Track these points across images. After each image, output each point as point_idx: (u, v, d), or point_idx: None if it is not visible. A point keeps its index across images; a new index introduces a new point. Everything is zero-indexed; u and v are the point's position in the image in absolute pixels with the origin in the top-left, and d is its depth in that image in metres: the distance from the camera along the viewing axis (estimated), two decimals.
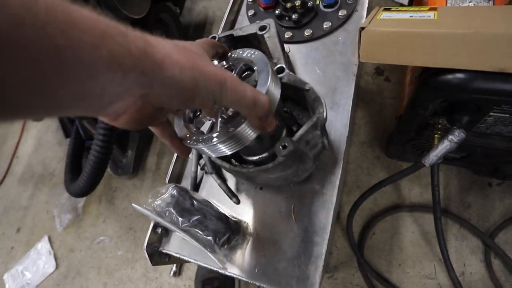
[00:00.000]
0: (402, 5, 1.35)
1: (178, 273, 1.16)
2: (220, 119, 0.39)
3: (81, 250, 1.35)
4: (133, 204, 0.55)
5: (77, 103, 0.22)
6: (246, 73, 0.45)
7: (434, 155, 0.70)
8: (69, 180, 1.12)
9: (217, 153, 0.40)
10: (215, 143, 0.37)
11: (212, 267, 0.53)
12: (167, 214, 0.53)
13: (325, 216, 0.53)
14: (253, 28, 0.60)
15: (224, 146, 0.38)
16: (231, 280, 1.04)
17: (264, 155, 0.50)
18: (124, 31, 0.24)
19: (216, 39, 0.61)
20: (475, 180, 0.99)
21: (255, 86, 0.42)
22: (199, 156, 0.63)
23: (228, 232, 0.51)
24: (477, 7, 0.61)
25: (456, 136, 0.67)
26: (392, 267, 0.96)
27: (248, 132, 0.37)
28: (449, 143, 0.67)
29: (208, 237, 0.48)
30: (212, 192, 0.62)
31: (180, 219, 0.52)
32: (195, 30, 1.64)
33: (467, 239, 0.93)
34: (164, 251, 0.60)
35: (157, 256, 0.60)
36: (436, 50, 0.53)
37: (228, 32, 0.62)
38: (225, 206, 0.59)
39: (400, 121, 0.87)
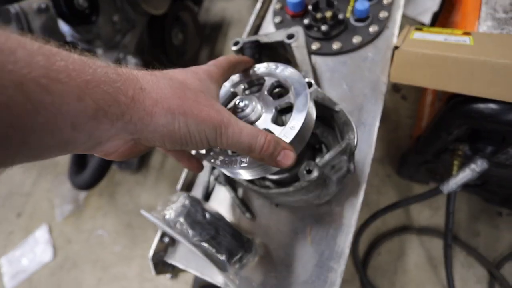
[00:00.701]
0: (423, 24, 1.33)
1: (175, 275, 1.14)
2: None
3: (79, 242, 1.32)
4: (141, 211, 0.53)
5: (60, 150, 0.22)
6: (277, 89, 0.43)
7: (453, 183, 0.68)
8: (74, 172, 1.10)
9: (238, 176, 0.38)
10: (240, 169, 0.34)
11: (220, 286, 0.51)
12: (177, 225, 0.50)
13: (343, 240, 0.51)
14: (280, 36, 0.57)
15: (248, 172, 0.35)
16: None
17: (285, 175, 0.48)
18: (112, 77, 0.23)
19: (240, 44, 0.59)
20: (485, 208, 0.97)
21: (290, 108, 0.39)
22: (213, 167, 0.61)
23: (241, 251, 0.48)
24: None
25: (478, 165, 0.64)
26: None
27: None
28: (470, 172, 0.65)
29: (222, 257, 0.45)
30: (223, 203, 0.60)
31: (190, 231, 0.49)
32: (212, 30, 1.62)
33: (473, 267, 0.91)
34: (169, 261, 0.57)
35: (161, 265, 0.58)
36: (472, 77, 0.50)
37: (254, 38, 0.59)
38: (236, 220, 0.57)
39: (418, 142, 0.85)
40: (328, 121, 0.50)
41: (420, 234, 0.98)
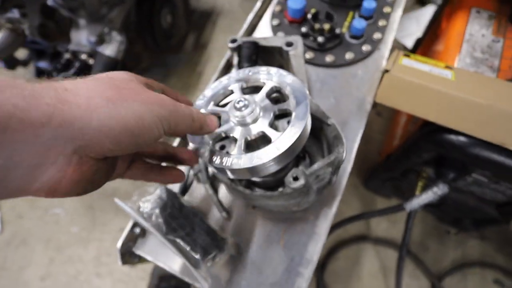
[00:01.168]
0: (405, 48, 1.40)
1: None
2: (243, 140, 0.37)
3: (32, 219, 1.24)
4: (115, 200, 0.51)
5: None
6: (274, 94, 0.43)
7: (416, 203, 0.73)
8: None
9: (238, 176, 0.38)
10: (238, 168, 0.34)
11: (191, 282, 0.50)
12: (152, 218, 0.49)
13: (313, 248, 0.53)
14: (278, 42, 0.58)
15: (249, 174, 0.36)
16: None
17: (269, 178, 0.49)
18: (20, 82, 0.20)
19: (238, 43, 0.58)
20: (437, 226, 1.06)
21: (284, 115, 0.40)
22: None
23: (215, 250, 0.48)
24: (490, 78, 0.64)
25: (440, 189, 0.70)
26: None
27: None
28: (432, 195, 0.71)
29: (196, 255, 0.45)
30: (200, 199, 0.59)
31: (165, 226, 0.48)
32: (201, 17, 1.58)
33: (419, 279, 1.00)
34: (137, 252, 0.56)
35: (128, 255, 0.56)
36: (449, 110, 0.55)
37: (252, 39, 0.59)
38: (211, 217, 0.57)
39: (388, 160, 0.90)
40: (316, 132, 0.51)
41: (376, 244, 1.04)
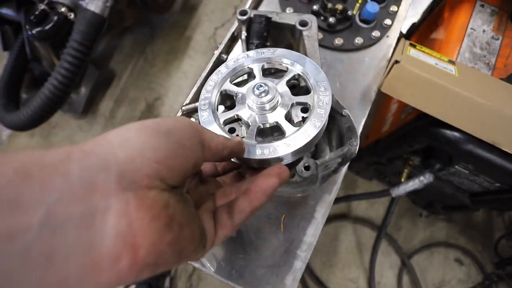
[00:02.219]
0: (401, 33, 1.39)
1: None
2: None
3: None
4: None
5: None
6: (292, 80, 0.41)
7: (402, 189, 0.77)
8: (3, 106, 0.92)
9: (246, 164, 0.37)
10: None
11: (192, 262, 0.50)
12: None
13: (312, 232, 0.54)
14: (292, 19, 0.54)
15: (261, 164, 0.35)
16: None
17: None
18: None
19: (249, 15, 0.54)
20: (411, 208, 1.13)
21: (306, 110, 0.38)
22: None
23: None
24: (487, 76, 0.66)
25: (426, 178, 0.74)
26: (325, 267, 1.06)
27: None
28: (419, 183, 0.75)
29: None
30: None
31: None
32: None
33: (390, 255, 1.08)
34: None
35: None
36: (452, 107, 0.56)
37: (264, 13, 0.55)
38: None
39: (376, 145, 0.93)
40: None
41: (355, 223, 1.11)
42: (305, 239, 0.54)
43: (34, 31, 0.80)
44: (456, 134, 0.60)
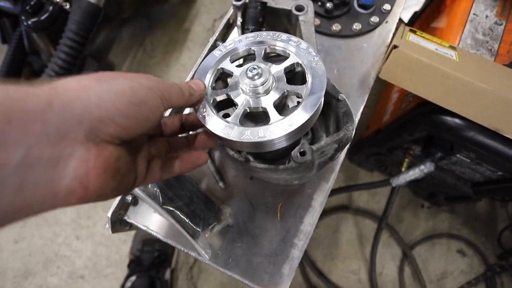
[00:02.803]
0: (401, 21, 1.36)
1: None
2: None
3: None
4: None
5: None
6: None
7: (403, 178, 0.76)
8: None
9: (241, 148, 0.36)
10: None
11: (189, 252, 0.50)
12: (149, 186, 0.47)
13: (309, 221, 0.54)
14: (288, 4, 0.53)
15: (256, 148, 0.34)
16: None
17: (271, 152, 0.47)
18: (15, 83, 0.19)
19: (242, 1, 0.53)
20: (412, 199, 1.12)
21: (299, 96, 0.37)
22: None
23: (214, 221, 0.48)
24: (490, 62, 0.64)
25: (427, 167, 0.73)
26: (326, 259, 1.05)
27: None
28: (419, 172, 0.73)
29: (197, 227, 0.44)
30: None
31: (161, 195, 0.46)
32: None
33: (391, 247, 1.07)
34: (129, 220, 0.54)
35: (118, 224, 0.54)
36: (452, 93, 0.54)
37: None
38: (208, 187, 0.55)
39: (376, 136, 0.91)
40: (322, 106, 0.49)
41: (356, 214, 1.10)
42: (302, 228, 0.53)
43: (30, 22, 0.79)
44: (457, 120, 0.59)
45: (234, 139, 0.33)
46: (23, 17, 0.79)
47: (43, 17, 0.77)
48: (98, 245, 1.08)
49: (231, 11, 0.60)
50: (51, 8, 0.76)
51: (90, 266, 1.06)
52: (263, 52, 0.39)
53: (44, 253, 1.07)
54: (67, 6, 0.78)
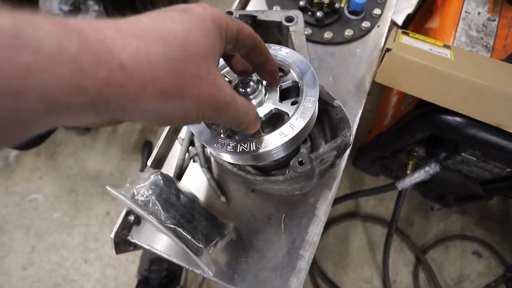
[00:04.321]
0: (395, 25, 1.37)
1: None
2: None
3: (8, 206, 1.17)
4: (107, 187, 0.48)
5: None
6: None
7: (408, 181, 0.74)
8: None
9: (240, 162, 0.36)
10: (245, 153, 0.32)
11: (194, 270, 0.49)
12: (149, 205, 0.47)
13: (314, 231, 0.52)
14: (278, 16, 0.54)
15: (254, 160, 0.34)
16: None
17: (270, 163, 0.47)
18: (69, 51, 0.15)
19: (234, 16, 0.54)
20: (421, 202, 1.10)
21: (290, 96, 0.38)
22: (190, 144, 0.57)
23: (217, 237, 0.47)
24: (486, 58, 0.64)
25: (432, 168, 0.71)
26: (337, 268, 1.03)
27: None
28: (424, 174, 0.72)
29: (199, 244, 0.44)
30: (196, 184, 0.57)
31: (163, 213, 0.46)
32: None
33: (404, 252, 1.05)
34: (133, 240, 0.54)
35: (122, 244, 0.54)
36: (450, 91, 0.54)
37: (249, 12, 0.55)
38: (209, 202, 0.55)
39: (379, 140, 0.90)
40: (318, 113, 0.49)
41: (364, 221, 1.08)
42: (308, 238, 0.52)
43: None
44: (458, 119, 0.58)
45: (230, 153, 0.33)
46: None
47: None
48: (106, 266, 1.07)
49: None
50: None
51: None
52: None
53: (52, 278, 1.07)
54: None
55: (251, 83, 0.34)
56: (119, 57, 0.17)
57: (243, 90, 0.34)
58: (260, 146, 0.33)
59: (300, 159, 0.40)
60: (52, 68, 0.15)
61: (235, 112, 0.26)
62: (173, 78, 0.20)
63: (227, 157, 0.36)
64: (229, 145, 0.34)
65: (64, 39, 0.15)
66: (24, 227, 1.14)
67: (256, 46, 0.30)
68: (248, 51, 0.30)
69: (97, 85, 0.16)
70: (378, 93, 1.24)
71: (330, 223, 1.06)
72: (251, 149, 0.33)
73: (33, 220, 1.14)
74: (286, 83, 0.37)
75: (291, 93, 0.42)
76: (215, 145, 0.34)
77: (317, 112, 0.36)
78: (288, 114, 0.35)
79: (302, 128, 0.33)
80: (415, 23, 1.06)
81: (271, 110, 0.35)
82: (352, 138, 0.43)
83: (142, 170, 1.19)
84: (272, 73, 0.34)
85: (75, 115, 0.17)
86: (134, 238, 0.53)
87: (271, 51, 0.39)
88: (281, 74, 0.41)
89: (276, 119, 0.41)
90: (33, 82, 0.14)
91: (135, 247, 0.55)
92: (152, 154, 0.55)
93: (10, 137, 0.16)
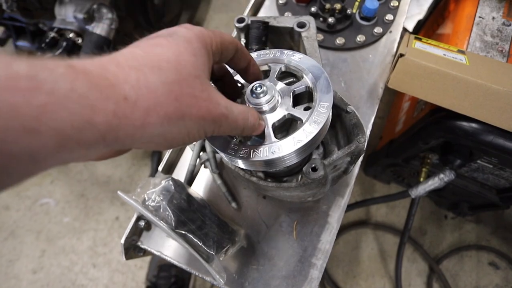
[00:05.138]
0: (406, 30, 1.36)
1: None
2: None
3: (19, 210, 1.18)
4: (118, 192, 0.48)
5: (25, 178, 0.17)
6: (286, 80, 0.41)
7: (422, 189, 0.73)
8: None
9: (252, 168, 0.35)
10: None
11: (204, 277, 0.48)
12: (160, 211, 0.47)
13: (327, 238, 0.51)
14: (290, 22, 0.54)
15: (266, 166, 0.33)
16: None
17: (283, 169, 0.46)
18: (81, 90, 0.17)
19: (246, 22, 0.54)
20: (435, 210, 1.07)
21: (303, 100, 0.38)
22: (201, 149, 0.57)
23: (228, 243, 0.46)
24: (502, 63, 0.62)
25: (447, 176, 0.70)
26: (348, 277, 1.01)
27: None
28: (439, 181, 0.70)
29: (210, 251, 0.43)
30: (207, 190, 0.57)
31: (174, 219, 0.46)
32: None
33: (417, 262, 1.02)
34: (143, 246, 0.53)
35: (132, 250, 0.54)
36: (465, 97, 0.53)
37: (261, 18, 0.55)
38: (220, 208, 0.55)
39: (390, 146, 0.89)
40: (332, 118, 0.49)
41: (375, 229, 1.05)
42: (320, 246, 0.51)
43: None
44: (474, 125, 0.56)
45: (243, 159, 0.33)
46: (39, 53, 0.84)
47: (57, 53, 0.81)
48: (114, 272, 1.07)
49: (234, 32, 0.61)
50: (64, 43, 0.81)
51: None
52: (278, 70, 0.39)
53: (61, 282, 1.07)
54: (80, 41, 0.82)
55: (264, 88, 0.34)
56: (122, 89, 0.19)
57: (256, 96, 0.34)
58: (273, 152, 0.33)
59: (313, 165, 0.40)
60: (66, 107, 0.16)
61: (234, 122, 0.27)
62: (172, 101, 0.22)
63: (239, 163, 0.35)
64: (242, 151, 0.33)
65: (75, 79, 0.17)
66: (35, 231, 1.15)
67: (238, 51, 0.31)
68: (232, 57, 0.31)
69: (106, 118, 0.18)
70: (389, 99, 1.22)
71: (340, 230, 1.04)
72: (264, 155, 0.33)
73: (44, 224, 1.16)
74: (299, 88, 0.37)
75: (304, 99, 0.41)
76: (228, 151, 0.34)
77: (331, 117, 0.36)
78: (301, 120, 0.34)
79: (316, 134, 0.33)
80: (426, 29, 1.05)
81: (284, 116, 0.35)
82: (365, 144, 0.42)
83: (151, 175, 1.20)
84: (256, 75, 0.36)
85: (86, 149, 0.18)
86: (144, 243, 0.53)
87: (284, 57, 0.39)
88: (294, 79, 0.41)
89: (289, 125, 0.41)
90: (48, 121, 0.15)
91: (145, 253, 0.55)
92: (163, 159, 0.56)
93: (22, 174, 0.17)
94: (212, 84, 0.33)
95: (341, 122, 0.46)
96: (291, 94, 0.36)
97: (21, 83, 0.15)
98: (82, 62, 0.19)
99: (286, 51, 0.40)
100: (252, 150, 0.33)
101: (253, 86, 0.34)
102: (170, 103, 0.21)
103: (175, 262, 0.51)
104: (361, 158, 0.55)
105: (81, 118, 0.17)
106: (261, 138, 0.40)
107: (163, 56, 0.23)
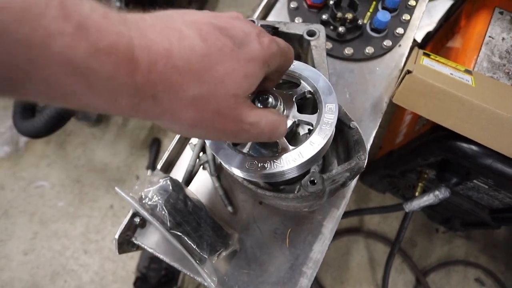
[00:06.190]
0: (414, 41, 1.36)
1: None
2: None
3: (14, 190, 1.18)
4: (116, 188, 0.48)
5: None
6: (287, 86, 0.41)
7: (416, 204, 0.73)
8: (19, 114, 0.94)
9: (252, 178, 0.36)
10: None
11: (195, 277, 0.49)
12: (157, 210, 0.47)
13: (319, 248, 0.52)
14: (300, 29, 0.54)
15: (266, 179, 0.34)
16: None
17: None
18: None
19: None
20: (426, 223, 1.08)
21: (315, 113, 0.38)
22: (201, 150, 0.57)
23: (222, 247, 0.47)
24: (508, 86, 0.62)
25: (442, 193, 0.70)
26: (335, 283, 1.02)
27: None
28: (433, 198, 0.71)
29: (203, 254, 0.43)
30: (203, 191, 0.57)
31: (170, 219, 0.46)
32: None
33: (404, 272, 1.03)
34: (136, 242, 0.54)
35: (125, 244, 0.54)
36: (469, 119, 0.53)
37: (271, 23, 0.55)
38: (216, 211, 0.55)
39: (389, 158, 0.89)
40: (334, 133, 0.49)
41: (367, 237, 1.06)
42: (312, 256, 0.52)
43: None
44: (474, 147, 0.57)
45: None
46: None
47: None
48: (105, 259, 1.07)
49: None
50: None
51: (97, 281, 1.05)
52: None
53: (52, 266, 1.08)
54: None
55: (270, 99, 0.34)
56: (153, 90, 0.21)
57: (262, 107, 0.34)
58: (274, 166, 0.33)
59: (312, 179, 0.40)
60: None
61: (258, 133, 0.27)
62: (202, 111, 0.23)
63: (238, 172, 0.36)
64: (248, 164, 0.34)
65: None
66: (28, 213, 1.15)
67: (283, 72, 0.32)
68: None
69: (131, 102, 0.21)
70: (391, 110, 1.22)
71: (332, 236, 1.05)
72: (267, 167, 0.33)
73: (38, 207, 1.16)
74: (301, 94, 0.37)
75: (307, 109, 0.41)
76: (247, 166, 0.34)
77: (333, 135, 0.36)
78: (312, 124, 0.35)
79: (318, 151, 0.33)
80: (435, 41, 1.05)
81: (294, 122, 0.35)
82: (365, 161, 0.42)
83: (148, 166, 1.20)
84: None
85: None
86: (138, 239, 0.53)
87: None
88: (291, 85, 0.41)
89: (292, 136, 0.41)
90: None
91: (138, 248, 0.56)
92: (163, 157, 0.55)
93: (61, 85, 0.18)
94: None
95: (342, 136, 0.46)
96: (294, 100, 0.36)
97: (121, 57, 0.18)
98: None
99: (300, 64, 0.39)
100: (259, 163, 0.33)
101: (258, 97, 0.34)
102: (194, 112, 0.22)
103: (167, 260, 0.52)
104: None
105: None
106: (261, 147, 0.40)
107: (212, 69, 0.22)
